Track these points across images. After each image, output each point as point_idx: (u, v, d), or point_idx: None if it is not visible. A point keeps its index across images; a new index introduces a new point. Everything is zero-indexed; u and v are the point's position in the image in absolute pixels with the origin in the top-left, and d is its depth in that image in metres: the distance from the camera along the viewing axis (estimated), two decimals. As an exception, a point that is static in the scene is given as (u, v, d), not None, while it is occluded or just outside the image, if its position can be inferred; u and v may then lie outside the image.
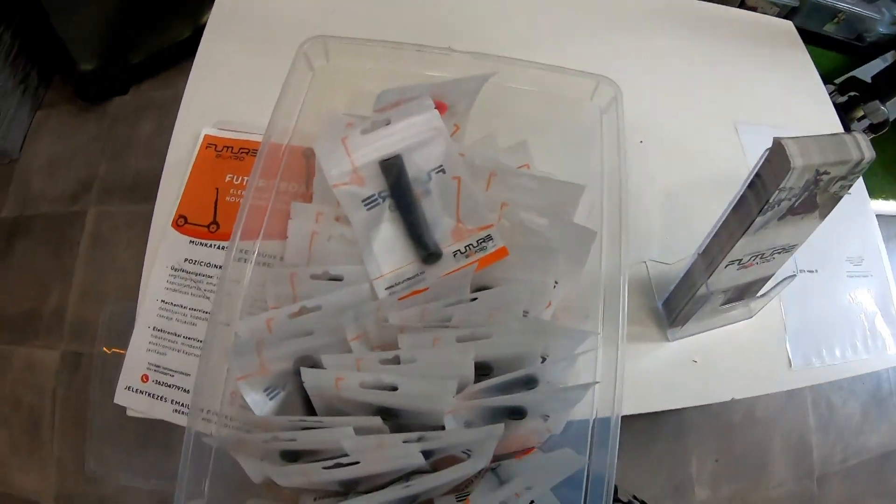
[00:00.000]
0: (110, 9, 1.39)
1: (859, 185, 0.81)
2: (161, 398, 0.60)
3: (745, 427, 1.28)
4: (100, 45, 1.40)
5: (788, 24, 0.98)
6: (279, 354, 0.43)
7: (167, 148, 0.98)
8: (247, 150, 0.69)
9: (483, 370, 0.40)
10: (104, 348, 1.21)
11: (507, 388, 0.38)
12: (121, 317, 1.20)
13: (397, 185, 0.46)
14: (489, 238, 0.46)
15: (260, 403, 0.44)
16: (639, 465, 1.18)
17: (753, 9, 1.69)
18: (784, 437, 1.30)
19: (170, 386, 0.60)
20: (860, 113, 1.38)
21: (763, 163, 0.47)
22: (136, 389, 0.60)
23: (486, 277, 0.46)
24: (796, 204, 0.49)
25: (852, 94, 1.37)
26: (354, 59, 0.54)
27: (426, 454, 0.37)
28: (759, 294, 0.62)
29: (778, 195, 0.46)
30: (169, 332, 0.62)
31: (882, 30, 1.78)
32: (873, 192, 0.83)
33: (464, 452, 0.39)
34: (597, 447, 0.43)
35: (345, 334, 0.42)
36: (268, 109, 0.55)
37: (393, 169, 0.46)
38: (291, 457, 0.40)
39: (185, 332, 0.62)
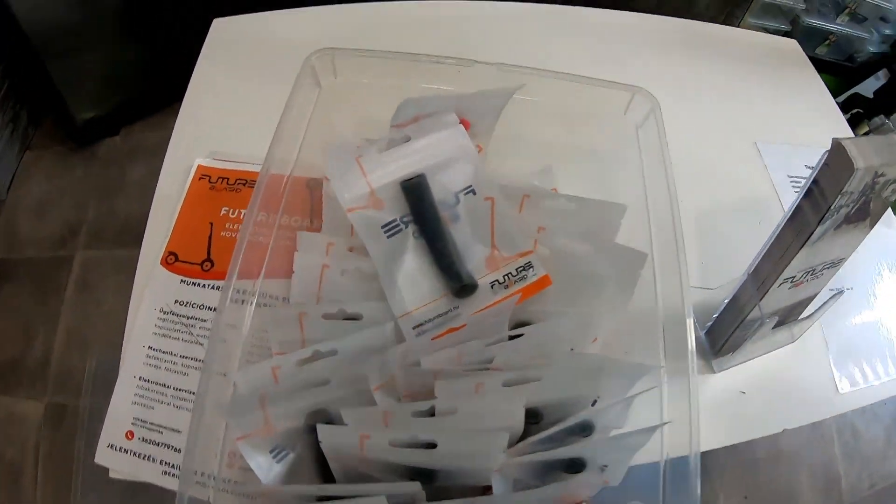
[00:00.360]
0: (108, 57, 1.34)
1: None
2: (148, 458, 0.52)
3: (771, 461, 1.21)
4: (95, 92, 1.35)
5: (794, 43, 0.96)
6: (288, 410, 0.35)
7: None
8: (244, 182, 0.63)
9: (531, 418, 0.33)
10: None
11: (561, 438, 0.31)
12: (107, 366, 1.12)
13: (421, 208, 0.39)
14: (529, 266, 0.39)
15: (265, 467, 0.36)
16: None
17: (746, 37, 1.70)
18: (811, 469, 1.23)
19: (158, 444, 0.52)
20: (865, 129, 1.35)
21: (822, 167, 0.42)
22: (120, 448, 0.52)
23: (523, 312, 0.39)
24: (852, 211, 0.44)
25: (856, 111, 1.34)
26: (365, 74, 0.48)
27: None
28: (802, 316, 0.56)
29: (839, 201, 0.41)
30: (157, 383, 0.54)
31: (872, 49, 1.80)
32: None
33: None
34: (671, 496, 0.35)
35: (366, 383, 0.34)
36: (267, 138, 0.49)
37: (416, 190, 0.40)
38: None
39: (176, 382, 0.54)
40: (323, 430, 0.31)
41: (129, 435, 0.52)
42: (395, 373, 0.34)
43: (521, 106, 0.46)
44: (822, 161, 0.41)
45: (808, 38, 1.75)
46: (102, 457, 0.52)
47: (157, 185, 0.65)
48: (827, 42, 1.76)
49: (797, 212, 0.44)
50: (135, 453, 0.52)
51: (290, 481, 0.36)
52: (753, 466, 1.19)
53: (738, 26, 1.44)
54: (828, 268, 0.51)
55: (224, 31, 0.79)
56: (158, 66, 1.38)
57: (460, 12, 0.79)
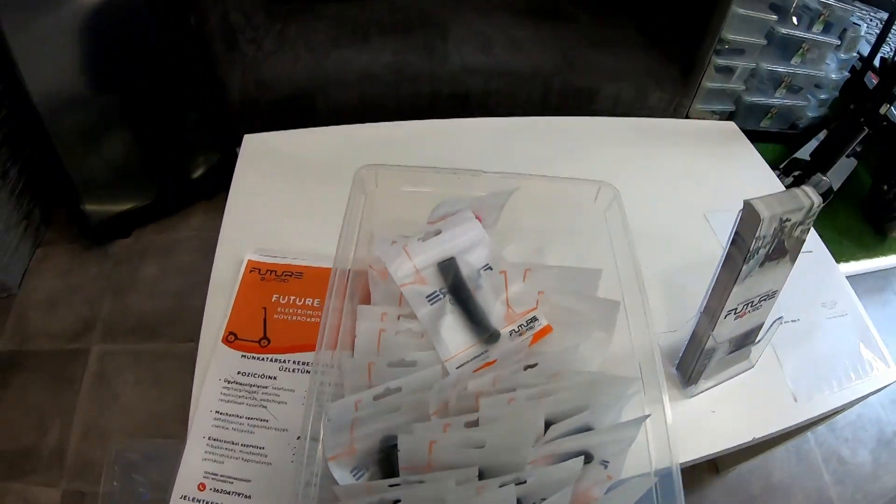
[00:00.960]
0: (124, 164, 1.53)
1: (817, 243, 0.99)
2: (219, 505, 0.63)
3: (765, 496, 1.35)
4: (110, 197, 1.53)
5: (731, 125, 1.22)
6: (367, 433, 0.50)
7: (170, 290, 1.02)
8: (290, 273, 0.79)
9: (547, 425, 0.48)
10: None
11: (573, 436, 0.47)
12: (128, 455, 1.21)
13: (455, 282, 0.56)
14: (535, 319, 0.56)
15: (347, 480, 0.50)
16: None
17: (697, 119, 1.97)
18: (805, 497, 1.38)
19: (229, 493, 0.64)
20: (808, 188, 1.57)
21: (739, 221, 0.61)
22: (193, 498, 0.64)
23: (533, 354, 0.55)
24: (771, 250, 0.62)
25: (796, 173, 1.57)
26: (400, 183, 0.66)
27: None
28: (756, 341, 0.73)
29: (755, 244, 0.59)
30: (226, 441, 0.67)
31: (811, 114, 2.08)
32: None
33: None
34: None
35: (426, 410, 0.50)
36: (306, 237, 0.66)
37: (449, 269, 0.57)
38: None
39: (244, 440, 0.67)
40: (402, 439, 0.46)
41: (201, 487, 0.65)
42: (448, 397, 0.49)
43: (517, 201, 0.65)
44: (739, 217, 0.60)
45: (752, 114, 2.01)
46: (177, 505, 0.64)
47: (211, 277, 0.81)
48: (769, 115, 2.03)
49: (728, 257, 0.63)
50: (207, 502, 0.64)
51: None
52: (750, 503, 1.32)
53: (686, 112, 1.69)
54: (764, 300, 0.69)
55: (255, 146, 0.98)
56: (168, 176, 1.58)
57: (454, 127, 1.00)
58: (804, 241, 0.64)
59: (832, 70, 1.93)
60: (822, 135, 1.88)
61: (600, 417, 0.51)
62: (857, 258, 1.79)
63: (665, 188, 0.98)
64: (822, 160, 1.50)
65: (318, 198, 0.86)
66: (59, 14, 1.28)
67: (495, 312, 0.57)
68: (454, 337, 0.55)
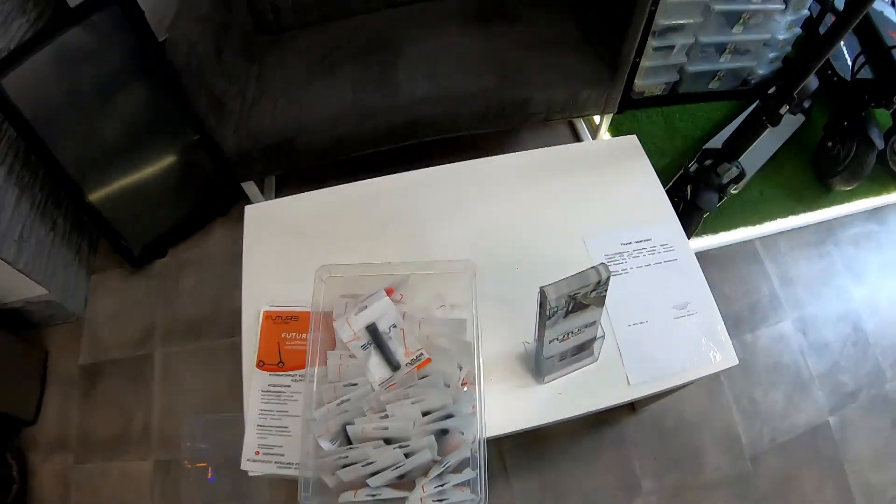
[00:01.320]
0: (154, 201, 2.22)
1: (685, 252, 1.52)
2: (268, 462, 1.32)
3: (676, 430, 1.95)
4: (146, 227, 2.22)
5: (633, 140, 1.72)
6: (335, 423, 1.17)
7: (208, 296, 1.73)
8: (291, 318, 1.45)
9: (425, 415, 1.13)
10: (185, 462, 1.92)
11: (438, 421, 1.12)
12: (201, 424, 1.94)
13: (375, 337, 1.21)
14: (422, 354, 1.21)
15: (329, 448, 1.16)
16: (590, 474, 1.88)
17: (641, 92, 2.42)
18: (713, 431, 1.95)
19: (273, 454, 1.33)
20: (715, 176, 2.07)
21: (541, 295, 1.19)
22: (253, 460, 1.33)
23: (422, 372, 1.20)
24: (570, 308, 1.21)
25: (708, 161, 2.07)
26: (346, 272, 1.29)
27: (405, 455, 1.10)
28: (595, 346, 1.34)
29: (551, 310, 1.18)
30: (266, 426, 1.36)
31: (762, 71, 2.51)
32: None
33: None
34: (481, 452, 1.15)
35: (363, 411, 1.15)
36: (300, 293, 1.32)
37: (371, 330, 1.21)
38: (346, 466, 1.12)
39: (275, 424, 1.36)
40: (350, 429, 1.12)
41: (257, 452, 1.34)
42: (373, 403, 1.15)
43: (417, 277, 1.27)
44: (540, 294, 1.19)
45: (700, 79, 2.43)
46: (245, 465, 1.33)
47: (242, 324, 1.46)
48: (717, 77, 2.44)
49: (540, 310, 1.22)
50: (261, 461, 1.32)
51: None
52: (662, 435, 1.95)
53: (627, 90, 2.14)
54: (585, 328, 1.28)
55: (255, 214, 1.61)
56: (189, 202, 2.23)
57: (402, 182, 1.60)
58: (605, 296, 1.21)
59: (780, 30, 2.27)
60: (734, 124, 2.29)
61: (459, 409, 1.15)
62: (795, 212, 2.24)
63: (550, 218, 1.57)
64: (732, 150, 1.97)
65: (305, 258, 1.49)
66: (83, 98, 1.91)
67: (399, 353, 1.22)
68: (376, 369, 1.21)
